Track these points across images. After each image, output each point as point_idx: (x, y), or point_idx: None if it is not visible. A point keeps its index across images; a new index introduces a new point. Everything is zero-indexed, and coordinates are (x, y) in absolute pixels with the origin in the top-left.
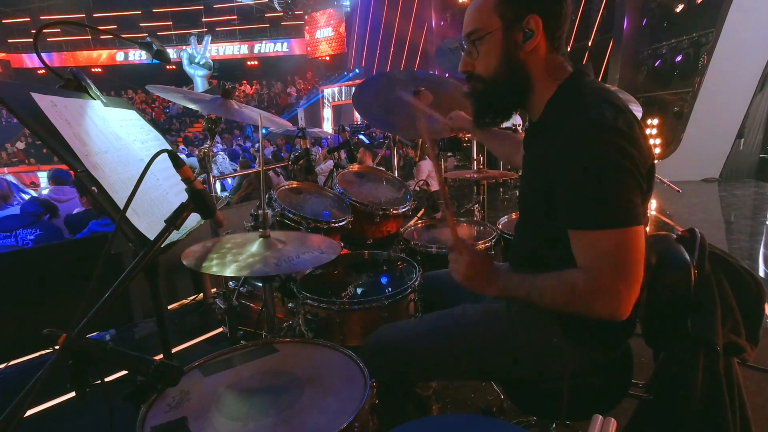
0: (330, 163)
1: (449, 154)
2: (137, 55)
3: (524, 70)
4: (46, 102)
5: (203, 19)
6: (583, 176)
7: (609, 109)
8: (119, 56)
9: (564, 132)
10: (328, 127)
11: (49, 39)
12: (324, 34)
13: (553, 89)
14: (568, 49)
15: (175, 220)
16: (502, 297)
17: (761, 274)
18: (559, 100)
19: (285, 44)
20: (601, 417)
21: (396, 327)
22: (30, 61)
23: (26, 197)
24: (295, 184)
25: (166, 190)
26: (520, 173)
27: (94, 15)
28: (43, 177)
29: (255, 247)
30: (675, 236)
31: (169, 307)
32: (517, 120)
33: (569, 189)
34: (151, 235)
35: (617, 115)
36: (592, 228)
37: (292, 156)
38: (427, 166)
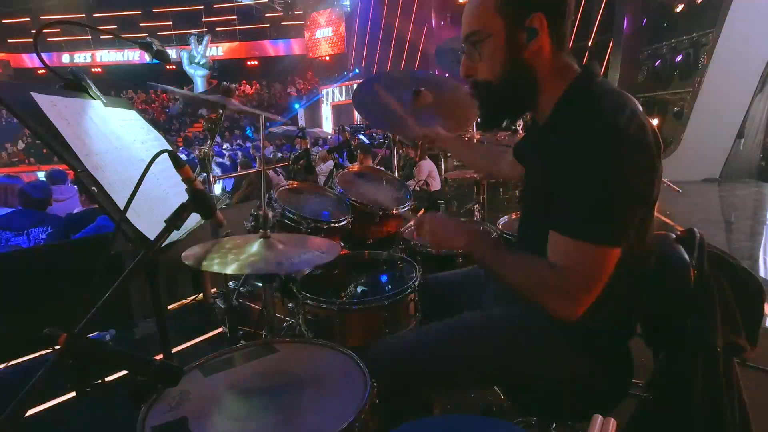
0: (330, 163)
1: (449, 154)
2: (137, 55)
3: (530, 71)
4: (46, 102)
5: (203, 19)
6: (585, 184)
7: (623, 113)
8: (119, 56)
9: (575, 134)
10: (328, 127)
11: (49, 39)
12: (324, 34)
13: (561, 89)
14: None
15: (175, 220)
16: (470, 253)
17: (761, 274)
18: (571, 101)
19: (285, 44)
20: (601, 417)
21: (396, 340)
22: (30, 61)
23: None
24: (295, 184)
25: (166, 190)
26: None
27: (94, 15)
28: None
29: (255, 247)
30: (675, 236)
31: (169, 307)
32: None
33: (568, 193)
34: (151, 235)
35: (631, 120)
36: (577, 237)
37: (292, 156)
38: (427, 166)
